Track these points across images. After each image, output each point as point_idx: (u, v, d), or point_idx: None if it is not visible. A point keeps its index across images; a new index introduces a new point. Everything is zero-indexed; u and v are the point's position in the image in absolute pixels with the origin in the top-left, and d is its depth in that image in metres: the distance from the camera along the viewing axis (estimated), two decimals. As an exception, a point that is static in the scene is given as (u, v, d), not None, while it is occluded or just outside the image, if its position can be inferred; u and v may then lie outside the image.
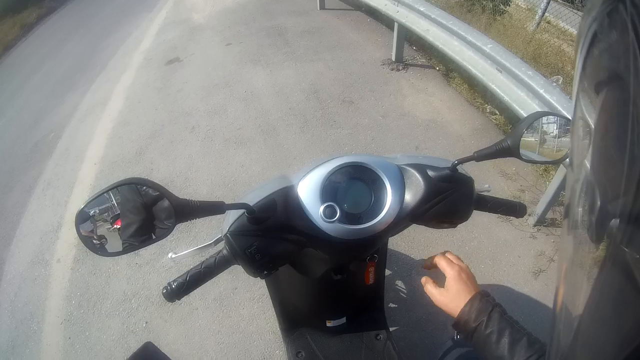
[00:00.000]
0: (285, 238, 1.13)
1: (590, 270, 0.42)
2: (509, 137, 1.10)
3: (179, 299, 1.18)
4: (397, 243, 3.52)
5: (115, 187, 0.93)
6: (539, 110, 2.24)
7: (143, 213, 0.94)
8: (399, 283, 3.22)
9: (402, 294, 3.10)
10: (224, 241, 1.16)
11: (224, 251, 1.15)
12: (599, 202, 0.41)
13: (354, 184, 1.17)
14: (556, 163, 1.28)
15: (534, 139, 1.09)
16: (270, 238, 1.11)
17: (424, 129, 4.82)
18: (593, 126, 0.43)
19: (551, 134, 1.10)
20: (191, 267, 1.18)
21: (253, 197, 1.14)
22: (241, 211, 1.10)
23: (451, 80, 5.70)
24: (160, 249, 3.91)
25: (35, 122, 7.45)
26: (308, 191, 1.15)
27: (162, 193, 0.93)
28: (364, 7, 7.84)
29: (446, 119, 4.93)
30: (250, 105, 5.65)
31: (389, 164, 1.22)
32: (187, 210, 0.95)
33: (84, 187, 5.05)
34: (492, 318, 1.06)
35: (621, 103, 0.36)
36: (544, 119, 1.09)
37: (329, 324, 1.89)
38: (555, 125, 1.10)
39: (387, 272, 3.20)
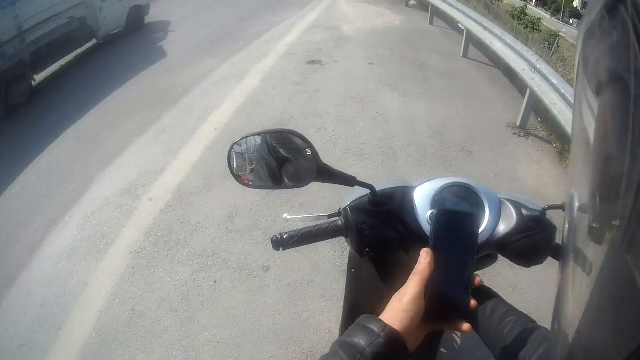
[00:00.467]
0: (393, 227, 1.23)
1: (590, 271, 0.43)
2: None
3: (284, 249, 1.23)
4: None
5: (273, 132, 1.09)
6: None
7: (286, 161, 1.08)
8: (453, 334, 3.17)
9: (455, 339, 3.06)
10: (338, 216, 1.25)
11: (339, 221, 1.24)
12: (599, 203, 0.41)
13: (459, 201, 1.27)
14: None
15: None
16: (381, 221, 1.21)
17: (528, 197, 4.78)
18: (593, 126, 0.44)
19: None
20: (303, 228, 1.27)
21: (378, 185, 1.22)
22: (365, 191, 1.19)
23: (563, 160, 5.68)
24: (255, 222, 4.05)
25: (167, 72, 7.93)
26: (422, 196, 1.24)
27: (312, 150, 1.04)
28: (502, 66, 7.78)
29: (549, 195, 4.92)
30: (378, 126, 5.76)
31: (492, 193, 1.31)
32: (327, 173, 1.07)
33: (199, 146, 5.29)
34: (496, 309, 1.11)
35: (621, 103, 0.37)
36: None
37: None
38: None
39: None
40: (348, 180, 1.10)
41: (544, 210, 1.24)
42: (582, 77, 0.49)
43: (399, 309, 0.84)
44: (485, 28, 7.91)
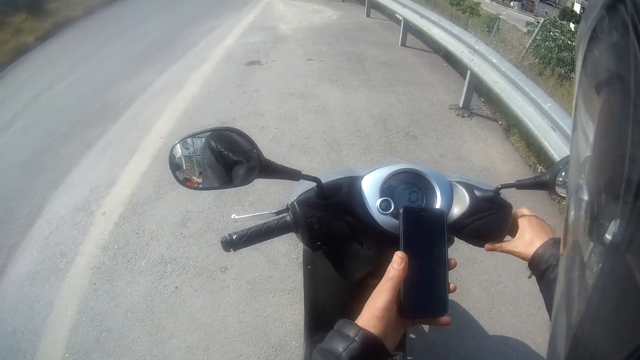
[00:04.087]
0: (343, 218, 1.23)
1: (590, 271, 0.42)
2: (547, 172, 1.22)
3: (234, 250, 1.25)
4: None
5: (213, 131, 1.09)
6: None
7: (229, 160, 1.07)
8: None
9: (423, 327, 3.05)
10: (286, 212, 1.26)
11: (287, 217, 1.25)
12: (599, 203, 0.42)
13: (409, 187, 1.27)
14: None
15: (567, 178, 1.18)
16: (331, 214, 1.21)
17: (475, 174, 4.86)
18: (593, 127, 0.44)
19: None
20: (252, 227, 1.28)
21: (324, 177, 1.23)
22: (312, 184, 1.20)
23: (511, 136, 5.78)
24: (207, 225, 4.08)
25: (107, 86, 7.82)
26: (370, 185, 1.24)
27: (254, 147, 1.05)
28: (442, 51, 8.05)
29: (498, 170, 5.01)
30: (320, 119, 5.85)
31: (443, 177, 1.32)
32: (270, 169, 1.08)
33: (146, 155, 5.27)
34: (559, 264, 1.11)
35: (621, 103, 0.37)
36: None
37: None
38: None
39: None
40: (292, 174, 1.11)
41: (498, 189, 1.26)
42: (582, 77, 0.48)
43: (374, 315, 0.84)
44: (422, 15, 8.09)
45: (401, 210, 0.93)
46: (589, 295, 0.42)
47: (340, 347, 0.79)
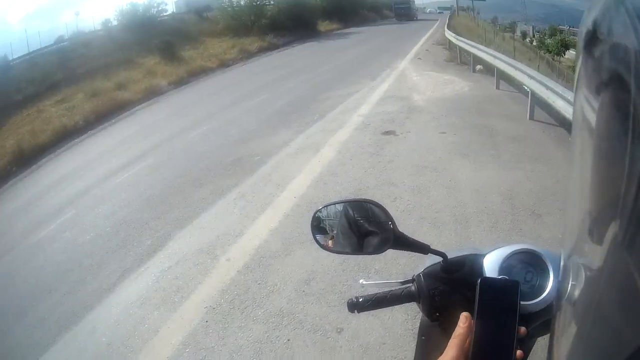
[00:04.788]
0: (462, 292, 1.24)
1: (590, 271, 0.43)
2: None
3: (358, 312, 1.27)
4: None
5: (353, 201, 1.17)
6: None
7: (363, 229, 1.14)
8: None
9: None
10: (411, 282, 1.29)
11: (412, 287, 1.27)
12: (599, 203, 0.42)
13: (526, 267, 1.27)
14: None
15: None
16: (452, 287, 1.23)
17: None
18: (593, 126, 0.44)
19: None
20: (378, 292, 1.33)
21: (450, 253, 1.26)
22: (438, 259, 1.22)
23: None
24: (331, 287, 4.17)
25: (243, 140, 8.36)
26: (491, 262, 1.26)
27: (390, 220, 1.10)
28: (567, 125, 7.64)
29: None
30: (451, 194, 5.93)
31: (557, 256, 1.26)
32: (402, 241, 1.11)
33: (277, 212, 5.53)
34: None
35: (621, 103, 0.37)
36: None
37: None
38: None
39: None
40: (422, 248, 1.15)
41: None
42: (582, 77, 0.50)
43: None
44: (547, 87, 7.94)
45: (479, 281, 1.00)
46: (589, 295, 0.43)
47: None
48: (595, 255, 0.41)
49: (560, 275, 1.12)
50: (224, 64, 15.09)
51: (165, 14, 25.81)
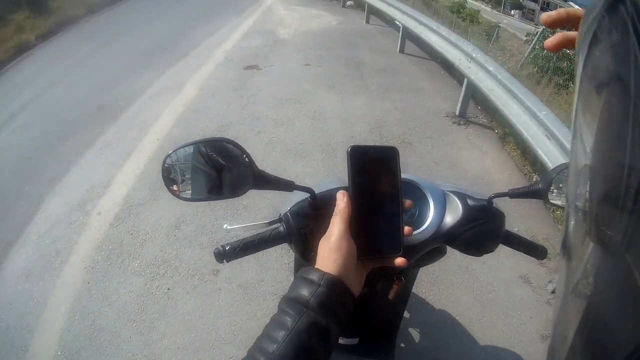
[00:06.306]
0: None
1: (590, 271, 0.43)
2: (541, 181, 1.23)
3: (227, 261, 1.24)
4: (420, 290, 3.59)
5: (207, 141, 1.04)
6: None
7: (221, 171, 1.04)
8: (412, 330, 3.20)
9: (413, 337, 3.14)
10: (279, 223, 1.24)
11: (281, 228, 1.23)
12: (599, 204, 0.42)
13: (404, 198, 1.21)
14: None
15: (560, 186, 1.20)
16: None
17: (469, 182, 4.94)
18: (593, 127, 0.44)
19: None
20: (245, 237, 1.27)
21: (317, 187, 1.21)
22: (305, 195, 1.18)
23: (506, 144, 5.82)
24: (201, 228, 4.12)
25: (108, 86, 7.89)
26: None
27: (249, 158, 1.02)
28: (440, 58, 8.05)
29: (492, 179, 5.06)
30: (316, 125, 5.90)
31: (436, 187, 1.33)
32: (263, 180, 1.05)
33: (142, 157, 5.33)
34: None
35: (621, 104, 0.37)
36: None
37: (341, 340, 1.88)
38: None
39: (406, 313, 3.23)
40: (286, 185, 1.09)
41: (490, 198, 1.27)
42: (581, 77, 0.47)
43: (330, 249, 0.85)
44: (420, 23, 8.10)
45: (348, 150, 0.92)
46: (589, 296, 0.43)
47: (306, 292, 0.79)
48: (596, 255, 0.41)
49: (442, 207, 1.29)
50: (91, 10, 14.01)
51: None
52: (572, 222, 0.49)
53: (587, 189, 0.44)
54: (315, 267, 0.83)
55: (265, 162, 4.90)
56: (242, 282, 3.58)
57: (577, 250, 0.47)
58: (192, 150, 1.06)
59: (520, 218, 4.31)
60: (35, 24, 12.27)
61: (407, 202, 0.96)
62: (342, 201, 0.90)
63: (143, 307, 3.42)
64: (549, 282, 3.70)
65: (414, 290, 3.44)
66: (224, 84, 7.32)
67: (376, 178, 0.92)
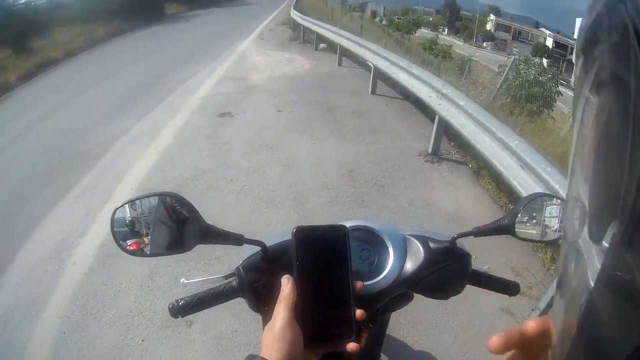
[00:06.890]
0: None
1: (590, 271, 0.43)
2: (506, 216, 1.20)
3: (182, 317, 1.21)
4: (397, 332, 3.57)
5: (153, 196, 1.01)
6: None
7: (172, 225, 1.01)
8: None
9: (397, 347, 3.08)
10: (234, 275, 1.21)
11: (234, 282, 1.19)
12: (599, 203, 0.43)
13: (361, 245, 1.24)
14: (550, 244, 1.35)
15: (529, 219, 1.19)
16: (277, 277, 1.06)
17: (443, 220, 4.98)
18: (593, 127, 0.44)
19: (547, 215, 1.19)
20: (199, 292, 1.26)
21: (271, 239, 1.19)
22: (257, 248, 1.15)
23: (481, 178, 5.92)
24: (174, 279, 4.10)
25: (84, 132, 7.98)
26: None
27: (193, 213, 1.00)
28: (411, 97, 8.17)
29: (467, 215, 5.11)
30: (287, 171, 5.96)
31: (396, 232, 1.29)
32: (212, 234, 1.02)
33: (117, 206, 5.30)
34: None
35: (621, 104, 0.36)
36: (540, 200, 1.20)
37: None
38: (552, 206, 1.20)
39: (384, 357, 3.13)
40: (235, 239, 1.06)
41: (454, 239, 1.24)
42: (581, 77, 0.47)
43: (274, 338, 0.82)
44: (392, 62, 8.19)
45: (293, 231, 0.91)
46: (588, 296, 0.42)
47: None
48: (595, 255, 0.41)
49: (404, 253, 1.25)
50: (70, 54, 14.37)
51: (20, 2, 23.57)
52: (571, 224, 0.49)
53: (587, 190, 0.44)
54: (261, 355, 0.80)
55: (237, 211, 5.00)
56: (216, 333, 3.58)
57: (577, 251, 0.47)
58: (139, 205, 1.04)
59: (497, 249, 4.31)
60: (17, 64, 12.51)
61: (358, 284, 0.94)
62: (286, 287, 0.88)
63: (118, 359, 3.41)
64: (532, 310, 3.68)
65: (391, 333, 3.43)
66: (198, 132, 7.42)
67: (324, 259, 0.92)
